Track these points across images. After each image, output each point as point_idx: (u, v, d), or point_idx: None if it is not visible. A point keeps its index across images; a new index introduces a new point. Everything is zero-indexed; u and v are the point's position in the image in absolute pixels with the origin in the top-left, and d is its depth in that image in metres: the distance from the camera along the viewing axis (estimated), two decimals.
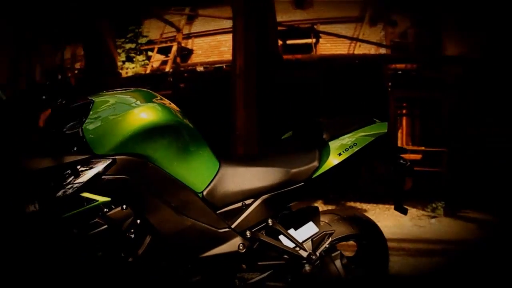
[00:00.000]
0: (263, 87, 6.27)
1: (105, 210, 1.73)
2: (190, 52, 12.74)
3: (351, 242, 2.39)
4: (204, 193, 1.92)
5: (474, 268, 3.59)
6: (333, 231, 2.18)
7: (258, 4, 6.41)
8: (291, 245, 2.07)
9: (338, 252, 2.18)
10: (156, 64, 12.50)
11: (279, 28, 8.58)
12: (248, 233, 1.97)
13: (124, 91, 1.92)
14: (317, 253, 2.09)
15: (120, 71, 11.03)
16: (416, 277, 3.49)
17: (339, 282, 2.14)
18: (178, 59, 12.14)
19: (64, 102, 1.81)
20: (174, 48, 12.31)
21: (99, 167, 1.68)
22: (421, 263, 3.92)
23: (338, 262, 2.15)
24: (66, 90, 1.88)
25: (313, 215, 2.21)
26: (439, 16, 8.70)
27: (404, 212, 2.36)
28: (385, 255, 2.44)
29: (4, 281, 1.68)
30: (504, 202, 5.86)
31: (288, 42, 10.63)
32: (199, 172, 1.93)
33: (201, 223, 1.88)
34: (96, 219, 1.71)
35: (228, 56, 11.30)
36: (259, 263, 2.05)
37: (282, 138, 2.41)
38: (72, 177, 1.66)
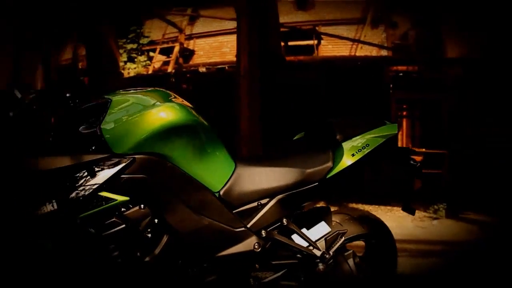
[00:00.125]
0: (266, 88, 6.28)
1: (122, 209, 1.74)
2: (191, 53, 12.71)
3: (357, 242, 2.42)
4: (221, 192, 1.94)
5: (475, 269, 3.61)
6: (345, 231, 2.21)
7: (262, 5, 6.41)
8: (304, 244, 2.10)
9: (351, 251, 2.22)
10: (157, 65, 12.47)
11: (281, 29, 8.59)
12: (263, 232, 1.99)
13: (140, 90, 1.92)
14: (331, 252, 2.12)
15: (122, 71, 11.03)
16: (418, 277, 3.51)
17: (352, 281, 2.17)
18: (181, 60, 12.13)
19: (78, 101, 1.82)
20: (176, 49, 12.28)
21: (119, 166, 1.69)
22: (422, 264, 3.94)
23: (351, 261, 2.18)
24: (81, 89, 1.88)
25: (325, 215, 2.24)
26: (440, 17, 8.71)
27: (412, 212, 2.39)
28: (394, 254, 2.47)
29: (20, 280, 1.69)
30: (504, 203, 5.88)
31: (290, 43, 10.60)
32: (216, 171, 1.94)
33: (218, 222, 1.89)
34: (114, 219, 1.72)
35: (230, 57, 11.32)
36: (273, 262, 2.07)
37: (294, 139, 2.43)
38: (92, 176, 1.67)
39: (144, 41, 12.29)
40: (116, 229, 1.71)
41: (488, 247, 4.46)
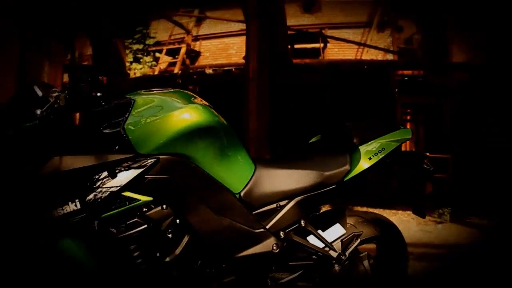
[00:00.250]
0: (274, 90, 6.30)
1: (144, 209, 1.74)
2: (197, 54, 12.73)
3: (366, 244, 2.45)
4: (241, 193, 1.95)
5: (479, 272, 3.63)
6: (361, 233, 2.23)
7: (270, 8, 6.44)
8: (320, 245, 2.12)
9: (366, 253, 2.25)
10: (163, 66, 12.49)
11: (288, 32, 8.61)
12: (281, 233, 2.01)
13: (163, 91, 1.93)
14: (347, 254, 2.14)
15: (128, 71, 11.06)
16: (423, 280, 3.53)
17: (367, 282, 2.21)
18: (188, 61, 12.15)
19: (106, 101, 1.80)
20: (183, 50, 12.29)
21: (143, 166, 1.70)
22: (427, 267, 3.95)
23: (366, 263, 2.21)
24: (101, 89, 1.86)
25: (339, 217, 2.27)
26: (446, 22, 8.73)
27: (423, 215, 2.42)
28: (406, 257, 2.50)
29: (40, 279, 1.70)
30: (506, 205, 5.90)
31: (296, 46, 10.62)
32: (237, 173, 1.96)
33: (238, 223, 1.91)
34: (136, 219, 1.72)
35: (235, 59, 11.36)
36: (290, 263, 2.09)
37: (309, 141, 2.46)
38: (116, 176, 1.68)
39: (150, 41, 12.32)
40: (138, 229, 1.71)
41: (491, 250, 4.48)
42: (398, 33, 11.04)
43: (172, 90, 1.95)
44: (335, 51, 11.48)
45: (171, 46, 12.58)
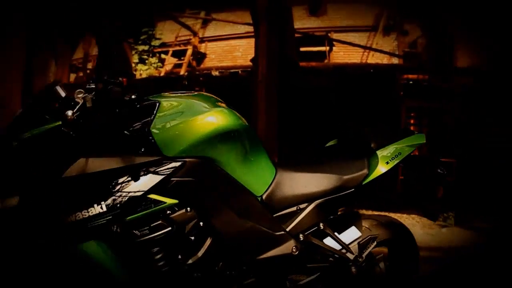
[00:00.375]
0: (282, 93, 6.33)
1: (168, 212, 1.74)
2: (203, 56, 12.75)
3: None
4: (263, 196, 1.98)
5: (482, 275, 3.67)
6: (377, 235, 2.27)
7: (279, 10, 6.46)
8: (338, 248, 2.16)
9: (381, 255, 2.30)
10: (169, 67, 12.51)
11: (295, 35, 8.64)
12: (301, 236, 2.04)
13: (187, 94, 1.94)
14: (363, 256, 2.18)
15: (134, 72, 11.08)
16: (428, 282, 3.56)
17: (383, 284, 2.26)
18: (194, 63, 12.17)
19: (137, 103, 1.78)
20: (189, 52, 12.31)
21: (170, 169, 1.71)
22: (432, 270, 3.98)
23: (382, 265, 2.26)
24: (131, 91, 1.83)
25: (355, 220, 2.31)
26: (451, 26, 8.76)
27: (434, 218, 2.46)
28: (417, 259, 2.54)
29: (62, 282, 1.69)
30: (507, 206, 5.92)
31: (302, 49, 10.62)
32: (259, 176, 1.98)
33: (260, 226, 1.93)
34: (160, 221, 1.72)
35: (241, 61, 11.39)
36: (308, 265, 2.12)
37: (326, 145, 2.50)
38: (143, 178, 1.68)
39: (155, 43, 12.33)
40: (161, 231, 1.72)
41: (495, 253, 4.51)
42: (404, 37, 11.06)
43: (196, 93, 1.97)
44: (341, 55, 11.49)
45: (177, 48, 12.58)
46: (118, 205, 1.64)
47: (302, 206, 2.06)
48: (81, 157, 1.64)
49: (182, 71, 11.79)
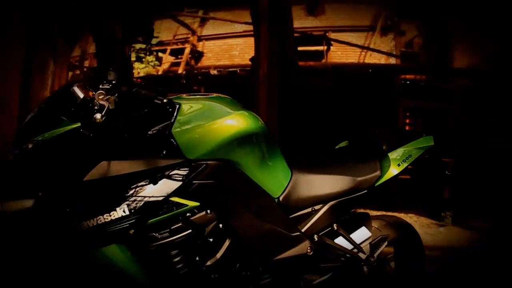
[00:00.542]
0: (282, 92, 6.33)
1: (187, 214, 1.74)
2: (200, 54, 12.74)
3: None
4: (280, 198, 2.00)
5: (483, 274, 3.71)
6: (387, 235, 2.31)
7: (280, 10, 6.46)
8: (350, 248, 2.20)
9: (392, 255, 2.34)
10: (166, 66, 12.49)
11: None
12: (315, 236, 2.07)
13: (206, 96, 1.93)
14: (375, 256, 2.22)
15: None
16: (430, 281, 3.60)
17: (394, 282, 2.30)
18: (192, 62, 12.16)
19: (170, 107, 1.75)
20: (187, 50, 12.30)
21: (193, 171, 1.71)
22: (431, 269, 4.02)
23: (393, 264, 2.31)
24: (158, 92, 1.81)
25: (365, 220, 2.34)
26: (449, 27, 8.80)
27: (440, 219, 2.50)
28: (424, 257, 2.59)
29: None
30: (506, 206, 5.96)
31: (299, 48, 10.64)
32: (277, 178, 2.00)
33: (277, 227, 1.96)
34: (180, 224, 1.72)
35: (238, 60, 11.40)
36: (321, 265, 2.16)
37: (336, 147, 2.54)
38: (166, 181, 1.67)
39: (153, 41, 12.29)
40: (182, 234, 1.71)
41: (493, 252, 4.55)
42: (401, 37, 11.11)
43: (214, 95, 1.95)
44: (338, 54, 11.53)
45: (175, 46, 12.57)
46: (141, 209, 1.63)
47: (317, 207, 2.09)
48: (103, 160, 1.62)
49: (180, 70, 11.78)
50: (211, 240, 1.82)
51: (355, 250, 2.20)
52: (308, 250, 2.03)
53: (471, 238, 5.58)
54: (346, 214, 2.26)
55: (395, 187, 2.31)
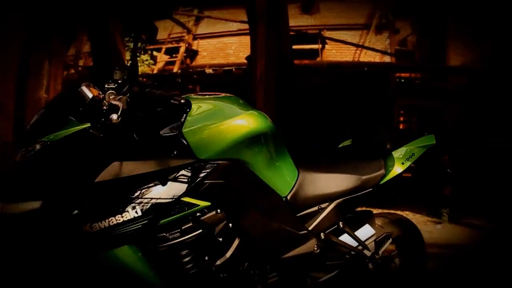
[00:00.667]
0: (279, 92, 6.32)
1: (197, 214, 1.74)
2: (195, 53, 12.70)
3: None
4: (288, 197, 2.03)
5: (481, 271, 3.75)
6: (391, 233, 2.35)
7: (277, 9, 6.44)
8: (355, 245, 2.24)
9: (396, 251, 2.38)
10: (161, 65, 12.45)
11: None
12: (322, 234, 2.11)
13: (215, 96, 1.93)
14: (380, 253, 2.26)
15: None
16: (428, 278, 3.62)
17: (397, 279, 2.34)
18: (188, 60, 12.14)
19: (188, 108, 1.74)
20: (182, 49, 12.27)
21: (204, 171, 1.71)
22: (430, 266, 4.05)
23: (397, 261, 2.34)
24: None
25: (368, 218, 2.39)
26: (444, 24, 8.82)
27: (440, 216, 2.54)
28: (425, 256, 2.62)
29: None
30: (505, 205, 6.00)
31: (294, 47, 10.62)
32: (284, 177, 2.03)
33: (285, 226, 1.98)
34: (191, 224, 1.73)
35: (233, 58, 11.40)
36: (327, 263, 2.19)
37: (339, 146, 2.56)
38: (178, 181, 1.67)
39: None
40: (193, 234, 1.72)
41: (486, 249, 4.59)
42: (396, 35, 11.14)
43: (223, 95, 1.96)
44: (333, 53, 11.55)
45: (170, 45, 12.53)
46: (153, 209, 1.62)
47: (323, 205, 2.13)
48: (114, 160, 1.61)
49: (175, 69, 11.75)
50: (220, 239, 1.83)
51: (360, 248, 2.24)
52: (315, 248, 2.06)
53: (467, 235, 5.63)
54: (351, 212, 2.29)
55: (392, 185, 2.34)
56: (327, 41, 11.47)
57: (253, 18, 6.24)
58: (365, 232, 2.32)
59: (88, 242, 1.59)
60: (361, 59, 11.27)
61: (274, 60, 6.05)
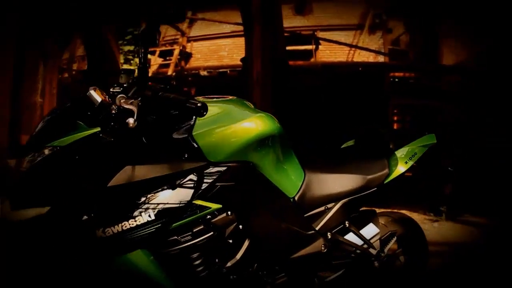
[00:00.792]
0: (275, 93, 6.34)
1: (208, 217, 1.74)
2: (189, 55, 12.70)
3: None
4: (296, 198, 2.04)
5: (479, 269, 3.78)
6: (396, 231, 2.38)
7: (272, 11, 6.46)
8: (361, 244, 2.26)
9: (400, 249, 2.40)
10: (155, 68, 12.44)
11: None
12: (329, 234, 2.13)
13: (221, 99, 1.93)
14: (385, 251, 2.30)
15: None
16: (427, 276, 3.65)
17: (402, 276, 2.37)
18: (183, 63, 12.13)
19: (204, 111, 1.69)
20: (176, 52, 12.25)
21: (216, 174, 1.72)
22: (433, 263, 4.07)
23: (402, 259, 2.37)
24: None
25: (372, 217, 2.42)
26: (438, 23, 8.87)
27: (440, 214, 2.57)
28: (427, 253, 2.65)
29: None
30: (504, 204, 6.04)
31: (288, 48, 10.65)
32: (291, 178, 2.04)
33: (293, 226, 2.00)
34: (202, 226, 1.72)
35: (227, 60, 11.41)
36: (334, 262, 2.21)
37: (342, 146, 2.59)
38: (190, 184, 1.68)
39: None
40: (204, 236, 1.71)
41: (483, 247, 4.63)
42: (389, 35, 11.19)
43: (230, 98, 1.96)
44: (327, 53, 11.58)
45: (164, 48, 12.51)
46: (166, 213, 1.62)
47: (329, 205, 2.15)
48: (127, 165, 1.60)
49: (170, 71, 11.74)
50: (231, 241, 1.83)
51: (366, 246, 2.27)
52: (323, 248, 2.08)
53: (464, 233, 5.67)
54: (356, 211, 2.32)
55: (396, 184, 2.36)
56: (320, 41, 11.50)
57: (248, 18, 6.25)
58: (370, 231, 2.34)
59: (101, 247, 1.58)
60: (355, 59, 11.32)
61: (270, 60, 6.06)
